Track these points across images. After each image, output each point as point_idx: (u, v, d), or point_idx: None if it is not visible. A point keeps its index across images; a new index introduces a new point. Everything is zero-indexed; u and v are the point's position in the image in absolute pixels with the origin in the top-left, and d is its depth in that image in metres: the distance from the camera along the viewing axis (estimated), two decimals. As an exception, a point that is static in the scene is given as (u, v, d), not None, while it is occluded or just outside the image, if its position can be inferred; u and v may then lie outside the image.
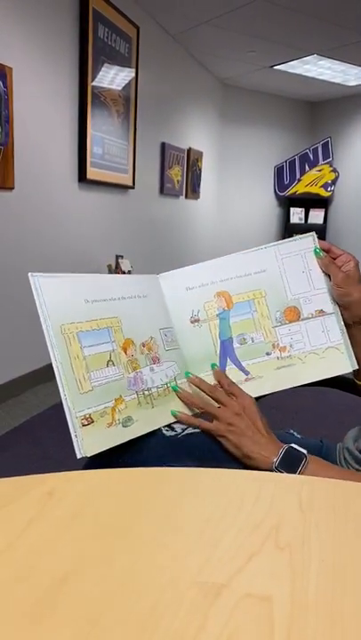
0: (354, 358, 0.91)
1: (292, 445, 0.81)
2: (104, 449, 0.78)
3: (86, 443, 0.76)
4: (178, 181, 5.24)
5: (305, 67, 5.60)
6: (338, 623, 0.38)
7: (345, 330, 0.92)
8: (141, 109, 4.22)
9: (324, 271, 0.92)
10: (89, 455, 0.76)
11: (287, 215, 7.13)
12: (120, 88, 3.88)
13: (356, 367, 0.91)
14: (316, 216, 7.04)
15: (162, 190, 4.93)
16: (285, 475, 0.76)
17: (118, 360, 0.83)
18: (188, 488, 0.58)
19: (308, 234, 0.95)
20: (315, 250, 0.93)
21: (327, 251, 0.93)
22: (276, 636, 0.36)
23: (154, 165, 4.77)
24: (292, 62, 5.44)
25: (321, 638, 0.36)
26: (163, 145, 4.84)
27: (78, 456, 0.75)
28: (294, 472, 0.78)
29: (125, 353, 0.85)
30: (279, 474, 0.77)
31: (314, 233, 0.95)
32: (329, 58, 5.23)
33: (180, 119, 5.24)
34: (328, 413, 2.21)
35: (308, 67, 5.60)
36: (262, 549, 0.45)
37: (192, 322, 0.92)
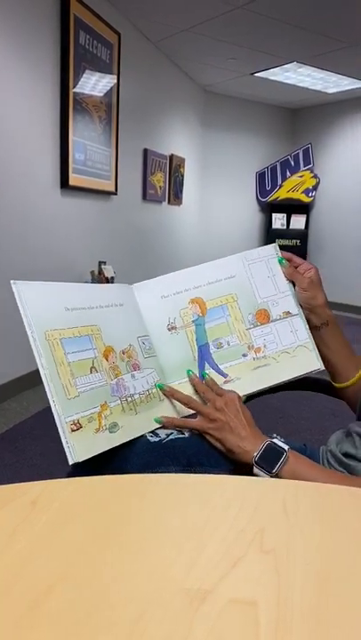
0: (320, 357, 0.98)
1: (274, 440, 0.82)
2: (94, 454, 0.78)
3: (77, 448, 0.76)
4: (160, 187, 5.25)
5: (285, 74, 5.67)
6: (323, 627, 0.38)
7: (309, 329, 0.98)
8: (123, 116, 4.23)
9: (288, 278, 0.99)
10: (80, 461, 0.76)
11: (269, 221, 7.18)
12: (102, 94, 3.88)
13: (322, 366, 0.97)
14: (298, 221, 7.10)
15: (144, 196, 4.94)
16: (270, 479, 0.77)
17: (101, 367, 0.84)
18: (173, 494, 0.58)
19: (270, 245, 1.02)
20: (279, 259, 1.00)
21: (289, 260, 1.01)
22: (261, 641, 0.36)
23: (136, 172, 4.78)
24: (272, 69, 5.50)
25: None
26: (145, 151, 4.85)
27: (70, 462, 0.75)
28: (274, 466, 0.79)
29: (107, 360, 0.85)
30: (264, 479, 0.77)
31: (276, 244, 1.02)
32: (309, 65, 5.30)
33: (162, 125, 5.26)
34: (311, 418, 2.23)
35: (288, 74, 5.67)
36: (247, 554, 0.45)
37: (169, 329, 0.94)
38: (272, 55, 5.03)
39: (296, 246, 6.99)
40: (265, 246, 1.01)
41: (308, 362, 0.97)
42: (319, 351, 0.99)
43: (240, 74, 5.70)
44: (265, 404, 1.10)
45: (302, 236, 7.05)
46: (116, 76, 4.02)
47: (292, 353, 0.96)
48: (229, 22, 4.21)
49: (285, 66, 5.34)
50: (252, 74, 5.67)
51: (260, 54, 5.02)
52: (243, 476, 0.62)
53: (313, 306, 0.99)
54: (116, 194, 4.23)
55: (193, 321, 0.95)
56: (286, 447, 0.81)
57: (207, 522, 0.51)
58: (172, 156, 5.46)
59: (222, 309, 0.96)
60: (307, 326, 0.98)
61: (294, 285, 0.99)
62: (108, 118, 3.99)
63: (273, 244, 1.02)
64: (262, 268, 0.99)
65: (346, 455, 0.90)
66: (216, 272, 0.98)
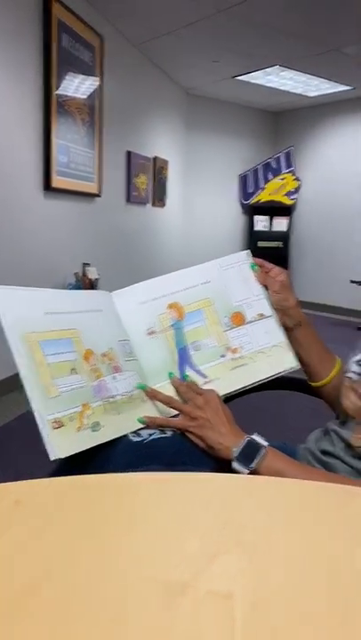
0: (295, 356, 1.01)
1: (253, 437, 0.84)
2: (75, 452, 0.79)
3: (58, 445, 0.77)
4: (144, 189, 5.26)
5: (267, 77, 5.72)
6: (297, 620, 0.39)
7: (284, 330, 1.02)
8: (107, 118, 4.23)
9: (260, 282, 1.03)
10: (62, 457, 0.77)
11: (252, 223, 7.23)
12: (85, 97, 3.88)
13: (298, 364, 1.01)
14: (280, 224, 7.16)
15: (128, 198, 4.95)
16: (250, 476, 0.79)
17: (81, 369, 0.86)
18: (155, 493, 0.60)
19: (242, 251, 1.06)
20: (251, 265, 1.04)
21: (260, 265, 1.05)
22: (237, 633, 0.38)
23: (120, 174, 4.78)
24: (254, 73, 5.54)
25: (281, 634, 0.38)
26: (128, 153, 4.86)
27: (51, 458, 0.77)
28: (253, 461, 0.81)
29: (87, 362, 0.87)
30: (247, 477, 0.79)
31: (249, 250, 1.06)
32: (290, 69, 5.35)
33: (146, 128, 5.27)
34: (292, 416, 2.25)
35: (270, 77, 5.72)
36: (226, 549, 0.47)
37: (149, 334, 0.96)
38: (254, 58, 5.07)
39: (278, 248, 7.05)
40: (238, 253, 1.05)
41: (284, 360, 1.00)
42: (294, 351, 1.02)
43: (222, 77, 5.74)
44: (247, 403, 1.12)
45: (284, 238, 7.10)
46: (98, 79, 4.03)
47: (268, 353, 0.99)
48: (212, 26, 4.24)
49: (267, 69, 5.39)
50: (235, 77, 5.72)
51: (242, 57, 5.06)
52: (223, 474, 0.64)
53: (285, 307, 1.03)
54: (99, 196, 4.24)
55: (171, 325, 0.98)
56: (265, 443, 0.83)
57: (187, 519, 0.53)
58: (155, 159, 5.48)
59: (199, 313, 0.99)
60: (281, 327, 1.02)
61: (267, 289, 1.03)
62: (91, 121, 3.99)
63: (245, 251, 1.06)
64: (236, 273, 1.03)
65: (324, 453, 0.92)
66: (192, 278, 1.01)
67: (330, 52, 4.76)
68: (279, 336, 1.01)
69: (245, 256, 1.05)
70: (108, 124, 4.28)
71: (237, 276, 1.03)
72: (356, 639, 0.37)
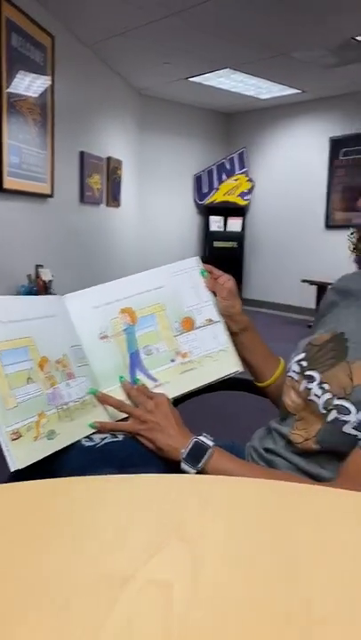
0: (239, 360, 1.07)
1: (200, 438, 0.89)
2: (33, 461, 0.81)
3: (17, 456, 0.79)
4: (98, 190, 5.25)
5: (219, 79, 5.81)
6: (232, 607, 0.44)
7: (230, 335, 1.07)
8: (59, 118, 4.21)
9: (209, 288, 1.06)
10: (21, 467, 0.79)
11: (207, 223, 7.32)
12: (36, 96, 3.85)
13: (242, 368, 1.06)
14: (235, 224, 7.28)
15: (82, 199, 4.94)
16: (192, 475, 0.83)
17: (37, 377, 0.87)
18: (103, 494, 0.63)
19: (192, 258, 1.09)
20: (201, 271, 1.07)
21: (210, 272, 1.08)
22: (174, 619, 0.42)
23: (73, 174, 4.76)
24: (206, 75, 5.62)
25: (216, 621, 0.42)
26: (81, 153, 4.85)
27: (12, 469, 0.79)
28: (200, 461, 0.85)
29: (42, 370, 0.88)
30: (190, 476, 0.83)
31: (198, 257, 1.09)
32: (241, 72, 5.45)
33: (99, 128, 5.27)
34: (241, 416, 2.32)
35: (221, 79, 5.81)
36: (167, 543, 0.51)
37: (101, 338, 0.98)
38: (206, 61, 5.14)
39: (233, 249, 7.17)
40: (188, 259, 1.08)
41: (229, 364, 1.04)
42: (240, 354, 1.08)
43: (175, 78, 5.79)
44: (200, 405, 1.17)
45: (239, 238, 7.23)
46: (50, 79, 4.01)
47: (215, 357, 1.04)
48: (163, 28, 4.28)
49: (219, 72, 5.48)
50: (187, 78, 5.78)
51: (193, 60, 5.12)
52: (167, 474, 0.68)
53: (232, 313, 1.07)
54: (52, 196, 4.21)
55: (124, 330, 1.00)
56: (211, 444, 0.88)
57: (133, 517, 0.57)
58: (109, 159, 5.48)
59: (152, 318, 1.01)
60: (227, 332, 1.06)
61: (215, 295, 1.07)
62: (43, 121, 3.97)
63: (195, 257, 1.09)
64: (186, 279, 1.06)
65: (267, 450, 0.98)
66: (145, 283, 1.03)
67: (279, 56, 4.89)
68: (225, 341, 1.05)
69: (195, 262, 1.08)
70: (61, 124, 4.26)
71: (188, 282, 1.06)
72: (296, 624, 0.42)
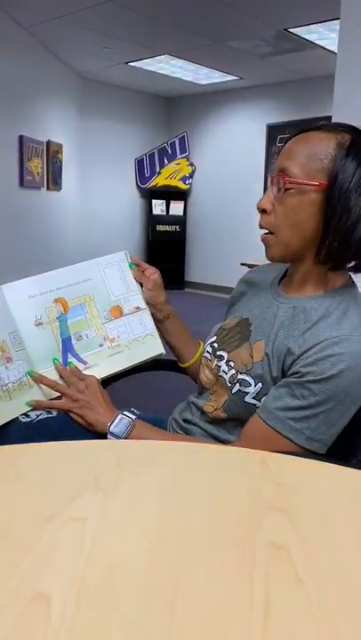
0: (163, 343, 1.19)
1: (124, 412, 1.02)
2: None
3: None
4: (38, 174, 5.24)
5: (159, 64, 5.86)
6: (134, 536, 0.58)
7: (154, 321, 1.19)
8: (-4, 102, 4.18)
9: (136, 279, 1.18)
10: None
11: (150, 207, 7.40)
12: (-28, 80, 3.81)
13: (164, 352, 1.18)
14: (177, 208, 7.39)
15: (22, 183, 4.92)
16: (112, 440, 0.97)
17: None
18: (38, 457, 0.76)
19: (121, 252, 1.20)
20: (129, 264, 1.19)
21: (137, 264, 1.20)
22: (86, 544, 0.55)
23: (12, 158, 4.74)
24: (146, 60, 5.66)
25: (120, 546, 0.56)
26: (21, 137, 4.82)
27: None
28: (124, 433, 0.99)
29: None
30: (109, 441, 0.97)
31: (126, 251, 1.20)
32: (180, 58, 5.53)
33: (38, 112, 5.23)
34: (167, 393, 2.50)
35: (161, 65, 5.86)
36: (85, 491, 0.64)
37: (37, 325, 1.09)
38: (144, 47, 5.19)
39: (176, 232, 7.30)
40: (117, 253, 1.19)
41: (154, 348, 1.17)
42: (165, 339, 1.21)
43: (115, 62, 5.80)
44: (130, 383, 1.30)
45: (181, 221, 7.36)
46: (-14, 62, 3.96)
47: (142, 341, 1.16)
48: (101, 14, 4.30)
49: (158, 57, 5.53)
50: (127, 63, 5.80)
51: (132, 45, 5.15)
52: (92, 440, 0.80)
53: (156, 303, 1.20)
54: (-9, 181, 4.20)
55: (57, 317, 1.11)
56: (133, 417, 1.01)
57: (59, 473, 0.70)
58: (49, 142, 5.46)
59: (81, 307, 1.13)
60: (152, 319, 1.19)
61: (142, 286, 1.19)
62: (-21, 105, 3.93)
63: (123, 251, 1.20)
64: (115, 271, 1.17)
65: (185, 421, 1.12)
66: (75, 275, 1.14)
67: (217, 44, 4.99)
68: (151, 326, 1.18)
69: (124, 255, 1.19)
70: (-2, 108, 4.23)
71: (116, 273, 1.17)
72: (190, 539, 0.56)
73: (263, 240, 1.00)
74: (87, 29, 4.71)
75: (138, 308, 1.17)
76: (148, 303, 1.19)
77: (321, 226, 0.91)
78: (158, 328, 1.21)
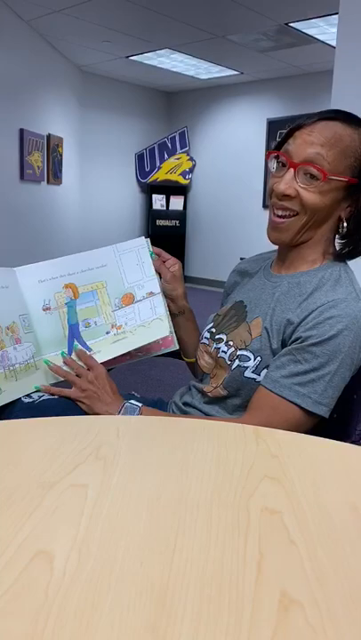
0: (171, 325, 1.16)
1: (130, 401, 1.05)
2: None
3: None
4: (39, 167, 5.25)
5: (159, 59, 5.86)
6: (131, 501, 0.60)
7: (166, 304, 1.16)
8: (-3, 95, 4.19)
9: (156, 269, 1.15)
10: None
11: (150, 201, 7.41)
12: (-27, 73, 3.83)
13: (170, 333, 1.15)
14: (177, 202, 7.40)
15: (22, 176, 4.93)
16: (113, 416, 0.99)
17: None
18: (43, 430, 0.78)
19: (141, 237, 1.17)
20: (150, 253, 1.16)
21: (158, 254, 1.18)
22: (87, 508, 0.57)
23: (13, 151, 4.75)
24: (147, 54, 5.66)
25: (119, 510, 0.58)
26: (21, 131, 4.83)
27: None
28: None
29: None
30: (109, 416, 0.99)
31: (148, 239, 1.17)
32: (181, 52, 5.53)
33: (38, 105, 5.24)
34: (164, 378, 2.53)
35: (162, 59, 5.86)
36: (86, 460, 0.66)
37: (44, 309, 1.10)
38: (145, 41, 5.19)
39: (175, 227, 7.31)
40: (136, 238, 1.16)
41: (159, 330, 1.13)
42: (176, 334, 1.19)
43: (116, 56, 5.80)
44: (134, 369, 1.32)
45: (181, 216, 7.37)
46: (-13, 55, 3.97)
47: (147, 325, 1.13)
48: (102, 7, 4.30)
49: (159, 51, 5.53)
50: (128, 57, 5.80)
51: (133, 39, 5.16)
52: (89, 416, 0.82)
53: (173, 296, 1.20)
54: (-9, 174, 4.21)
55: (66, 303, 1.11)
56: (139, 405, 1.04)
57: (61, 444, 0.72)
58: (49, 136, 5.47)
59: (92, 294, 1.12)
60: (164, 304, 1.15)
61: (160, 277, 1.17)
62: (-20, 97, 3.94)
63: (145, 238, 1.17)
64: (133, 257, 1.15)
65: (185, 404, 1.14)
66: (89, 261, 1.13)
67: (217, 38, 5.00)
68: (161, 310, 1.14)
69: (143, 241, 1.16)
70: (-1, 102, 4.24)
71: (134, 259, 1.14)
72: (180, 505, 0.58)
73: (280, 224, 1.00)
74: (88, 23, 4.71)
75: (151, 293, 1.14)
76: (164, 295, 1.16)
77: (337, 217, 0.99)
78: (172, 323, 1.17)
